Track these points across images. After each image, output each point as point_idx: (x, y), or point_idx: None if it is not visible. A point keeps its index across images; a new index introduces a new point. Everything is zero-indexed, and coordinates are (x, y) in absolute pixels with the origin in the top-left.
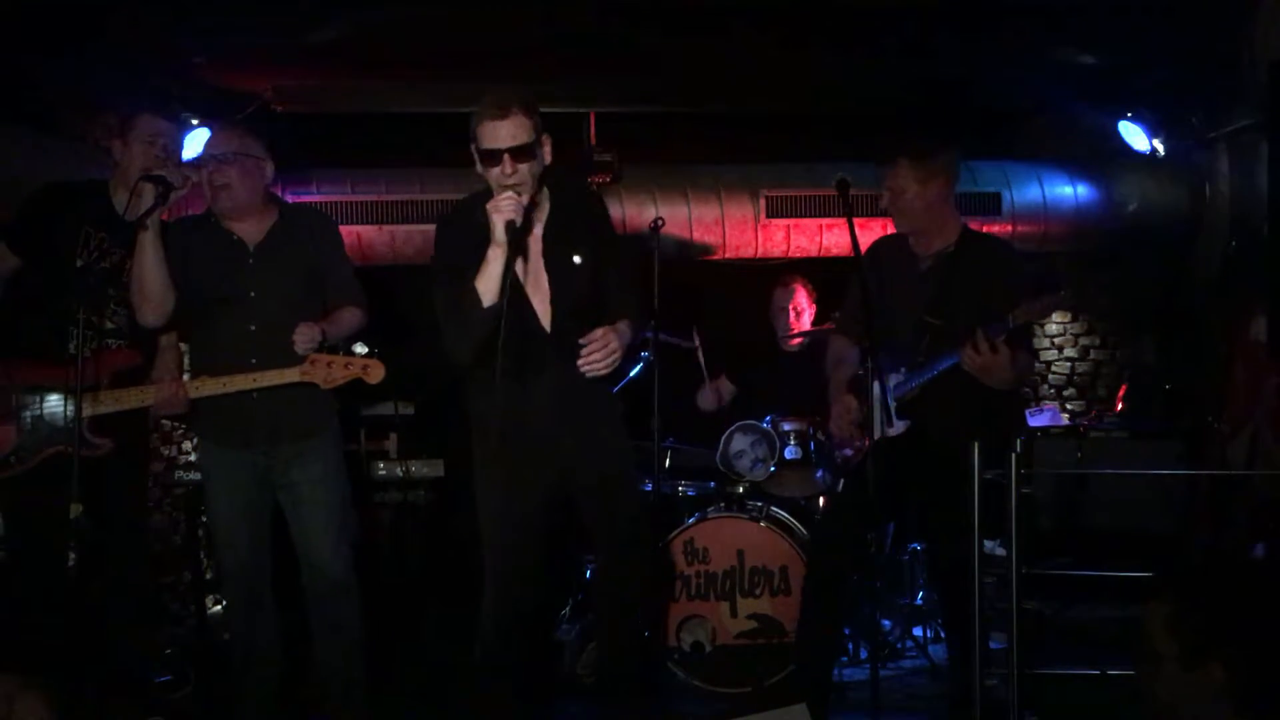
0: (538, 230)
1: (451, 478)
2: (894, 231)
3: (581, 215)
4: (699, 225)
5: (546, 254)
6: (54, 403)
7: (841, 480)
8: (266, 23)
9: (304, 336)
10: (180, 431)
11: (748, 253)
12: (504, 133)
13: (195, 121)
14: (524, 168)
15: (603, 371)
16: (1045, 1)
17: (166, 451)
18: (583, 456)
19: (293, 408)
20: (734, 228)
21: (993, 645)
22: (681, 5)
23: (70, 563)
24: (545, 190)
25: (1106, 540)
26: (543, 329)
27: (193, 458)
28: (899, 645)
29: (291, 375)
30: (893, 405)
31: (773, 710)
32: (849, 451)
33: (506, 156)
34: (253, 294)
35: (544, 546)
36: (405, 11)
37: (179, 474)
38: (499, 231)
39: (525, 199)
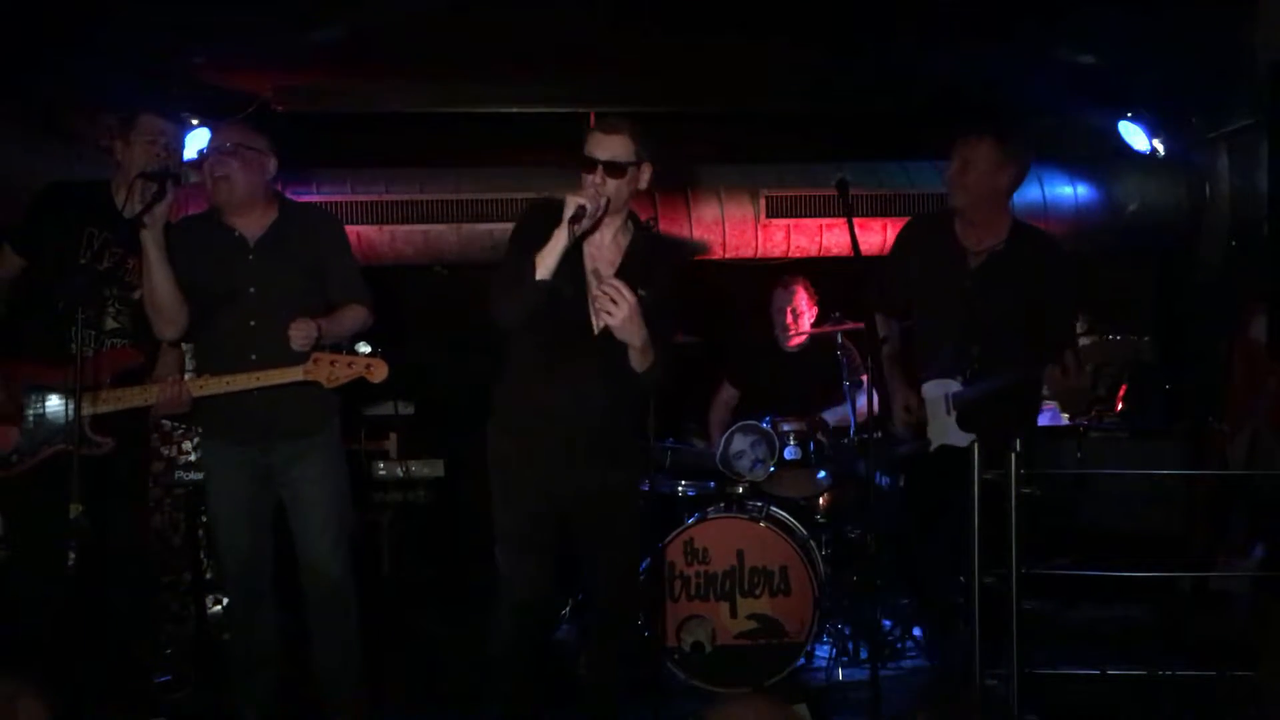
0: (614, 255)
1: (451, 478)
2: (917, 222)
3: (659, 262)
4: (699, 225)
5: (618, 273)
6: (55, 402)
7: (900, 477)
8: (266, 23)
9: (299, 332)
10: (180, 431)
11: (748, 253)
12: (606, 146)
13: (195, 121)
14: (614, 183)
15: (613, 312)
16: (1045, 1)
17: (166, 451)
18: (593, 465)
19: (293, 406)
20: (734, 228)
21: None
22: (682, 5)
23: (70, 562)
24: (631, 222)
25: (1106, 540)
26: (591, 329)
27: (193, 458)
28: (899, 645)
29: (294, 374)
30: (952, 416)
31: None
32: (906, 447)
33: (600, 168)
34: (252, 289)
35: (557, 543)
36: (405, 12)
37: (179, 474)
38: (569, 209)
39: (603, 203)
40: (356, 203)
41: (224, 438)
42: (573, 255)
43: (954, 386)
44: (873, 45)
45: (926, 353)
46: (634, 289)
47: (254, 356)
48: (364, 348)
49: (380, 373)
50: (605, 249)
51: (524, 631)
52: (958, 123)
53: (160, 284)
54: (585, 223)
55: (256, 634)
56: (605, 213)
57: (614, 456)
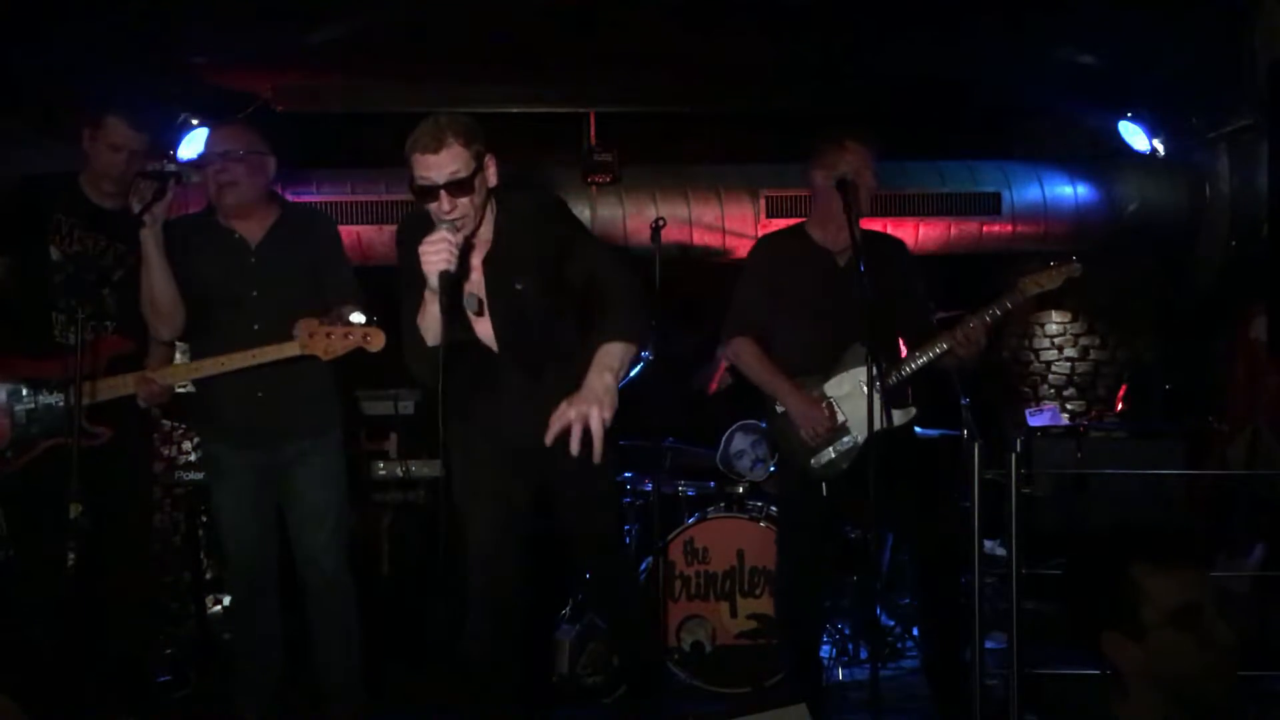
0: (478, 260)
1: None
2: (769, 240)
3: (530, 235)
4: (699, 226)
5: (488, 281)
6: (48, 395)
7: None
8: (266, 23)
9: (304, 332)
10: (180, 431)
11: (747, 253)
12: (438, 166)
13: (195, 122)
14: (463, 202)
15: (600, 436)
16: (1045, 1)
17: (166, 451)
18: (558, 467)
19: (298, 408)
20: (734, 228)
21: (989, 645)
22: (682, 5)
23: (70, 562)
24: (491, 215)
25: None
26: (490, 349)
27: (193, 458)
28: (899, 645)
29: (291, 349)
30: (877, 400)
31: (773, 710)
32: (824, 456)
33: (443, 193)
34: (255, 293)
35: (529, 551)
36: (405, 12)
37: (179, 474)
38: (432, 280)
39: (460, 238)
40: (356, 203)
41: (226, 441)
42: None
43: (861, 375)
44: (873, 45)
45: (809, 358)
46: (510, 282)
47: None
48: (359, 317)
49: (378, 341)
50: (473, 263)
51: (488, 636)
52: (835, 126)
53: (159, 284)
54: (453, 266)
55: (258, 630)
56: (474, 229)
57: (566, 439)
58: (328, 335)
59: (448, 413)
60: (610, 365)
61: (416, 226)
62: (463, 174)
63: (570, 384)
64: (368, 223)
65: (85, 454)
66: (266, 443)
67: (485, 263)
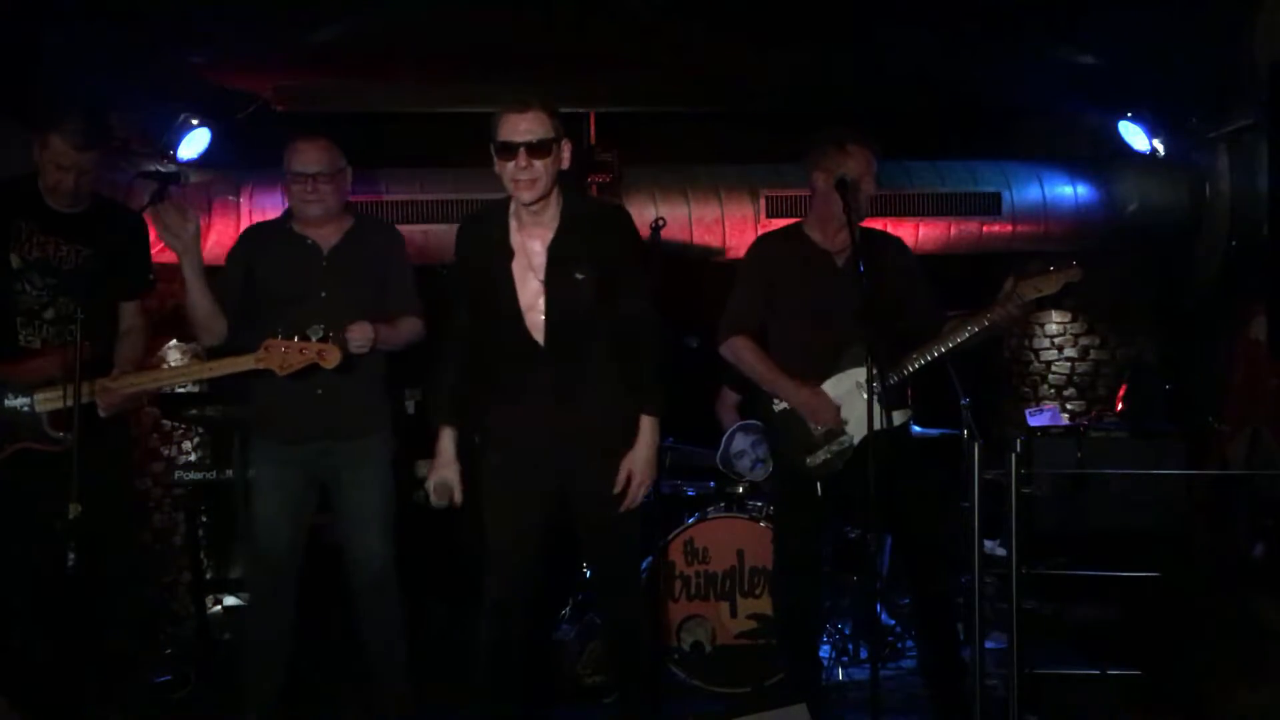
0: (539, 246)
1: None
2: (767, 239)
3: (595, 234)
4: (699, 225)
5: (548, 270)
6: (11, 400)
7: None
8: (267, 23)
9: (356, 335)
10: (180, 431)
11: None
12: (523, 126)
13: (195, 122)
14: (539, 164)
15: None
16: (1045, 1)
17: (166, 451)
18: (581, 472)
19: (350, 408)
20: (734, 228)
21: (989, 645)
22: (682, 5)
23: (70, 563)
24: (557, 200)
25: (1106, 540)
26: (535, 342)
27: (193, 458)
28: (899, 645)
29: (246, 362)
30: (876, 401)
31: (773, 710)
32: (820, 455)
33: (522, 150)
34: (323, 294)
35: (544, 554)
36: (405, 12)
37: (179, 474)
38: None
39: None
40: (356, 203)
41: (278, 438)
42: (503, 266)
43: (860, 376)
44: (873, 45)
45: (808, 359)
46: (570, 270)
47: None
48: (317, 332)
49: (332, 358)
50: (535, 248)
51: (503, 637)
52: (836, 127)
53: (198, 301)
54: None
55: (271, 626)
56: (541, 197)
57: (593, 443)
58: (284, 350)
59: (478, 413)
60: (655, 442)
61: (475, 225)
62: (543, 136)
63: (600, 402)
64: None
65: (57, 458)
66: (317, 442)
67: (549, 248)
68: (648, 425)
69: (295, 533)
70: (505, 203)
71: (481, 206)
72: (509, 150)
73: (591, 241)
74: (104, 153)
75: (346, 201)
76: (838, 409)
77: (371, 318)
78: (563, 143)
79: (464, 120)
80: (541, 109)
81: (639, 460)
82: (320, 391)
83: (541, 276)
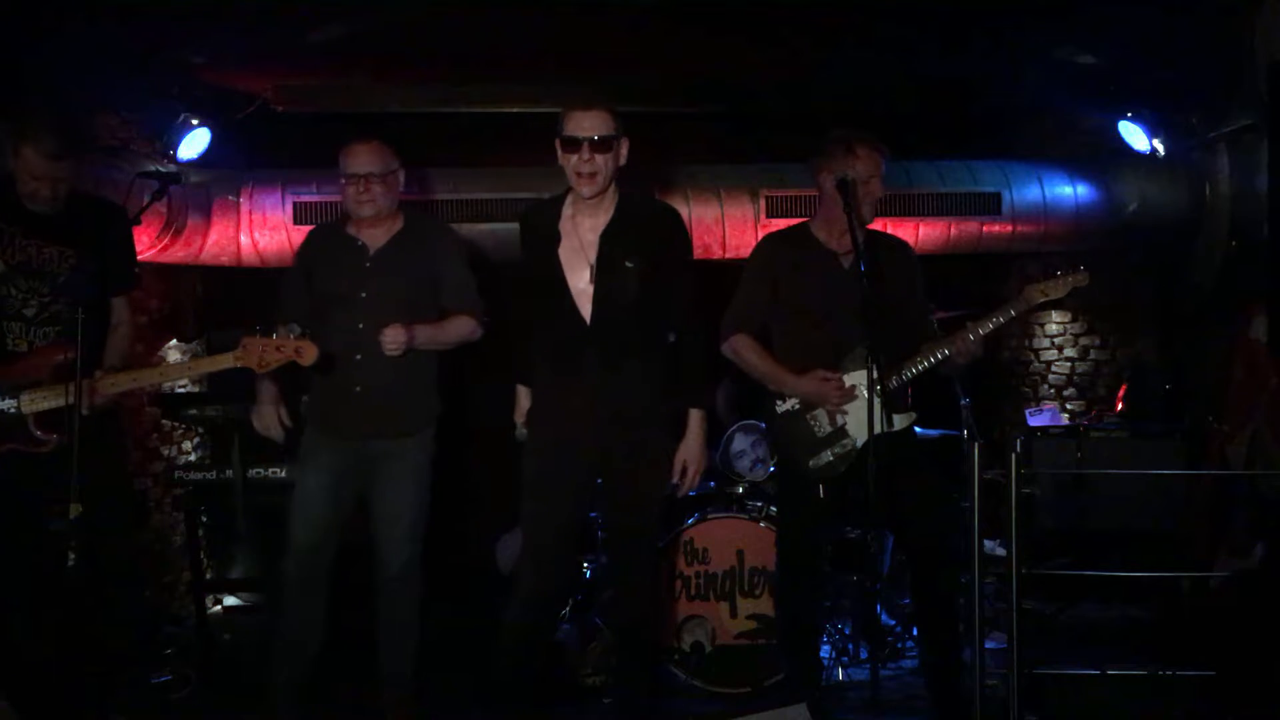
0: (593, 234)
1: (454, 476)
2: (773, 239)
3: (646, 227)
4: (699, 225)
5: (600, 253)
6: None
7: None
8: (267, 23)
9: (390, 338)
10: (180, 431)
11: (747, 253)
12: (587, 123)
13: (195, 122)
14: (600, 159)
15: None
16: (1045, 1)
17: (166, 451)
18: (617, 453)
19: (388, 408)
20: (734, 228)
21: (989, 645)
22: (682, 5)
23: (70, 563)
24: (613, 194)
25: (1106, 540)
26: (583, 320)
27: (193, 458)
28: (899, 645)
29: (225, 361)
30: (877, 403)
31: (773, 710)
32: (823, 456)
33: (586, 144)
34: (364, 294)
35: (578, 549)
36: (405, 12)
37: (179, 474)
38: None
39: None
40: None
41: (326, 431)
42: (557, 251)
43: (861, 379)
44: (873, 45)
45: (810, 360)
46: (621, 258)
47: (359, 357)
48: (295, 330)
49: (309, 355)
50: (588, 235)
51: (535, 624)
52: (844, 128)
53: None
54: None
55: (302, 618)
56: (599, 192)
57: (631, 429)
58: (262, 349)
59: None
60: (703, 434)
61: (534, 216)
62: (605, 133)
63: (641, 384)
64: None
65: (46, 459)
66: (354, 440)
67: (602, 235)
68: (696, 418)
69: (330, 526)
70: (563, 195)
71: (537, 203)
72: (574, 144)
73: (642, 235)
74: (80, 160)
75: (398, 202)
76: (850, 387)
77: (417, 318)
78: (622, 140)
79: (464, 120)
80: (604, 108)
81: (691, 450)
82: (358, 390)
83: (592, 259)
